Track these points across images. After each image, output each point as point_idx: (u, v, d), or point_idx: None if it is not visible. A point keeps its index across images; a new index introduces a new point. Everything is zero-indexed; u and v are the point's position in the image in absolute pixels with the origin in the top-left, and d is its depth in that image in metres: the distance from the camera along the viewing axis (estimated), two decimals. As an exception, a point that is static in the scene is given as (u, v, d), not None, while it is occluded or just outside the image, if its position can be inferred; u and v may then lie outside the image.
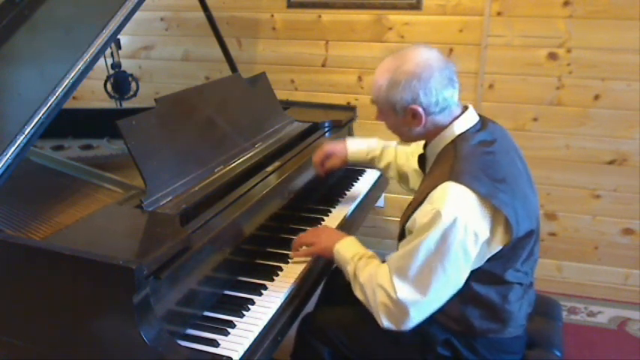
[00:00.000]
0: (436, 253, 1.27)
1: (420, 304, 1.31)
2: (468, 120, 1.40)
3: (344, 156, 1.88)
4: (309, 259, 1.58)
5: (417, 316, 1.32)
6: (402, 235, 1.42)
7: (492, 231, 1.30)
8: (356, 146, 1.90)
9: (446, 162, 1.35)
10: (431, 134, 1.43)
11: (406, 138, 1.50)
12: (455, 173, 1.30)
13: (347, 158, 1.88)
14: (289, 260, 1.58)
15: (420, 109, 1.36)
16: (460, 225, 1.25)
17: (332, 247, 1.51)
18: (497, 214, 1.29)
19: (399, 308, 1.31)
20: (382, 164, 1.88)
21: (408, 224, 1.36)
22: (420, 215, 1.31)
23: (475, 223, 1.27)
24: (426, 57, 1.37)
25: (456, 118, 1.40)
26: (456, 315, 1.38)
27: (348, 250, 1.49)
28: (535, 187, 1.47)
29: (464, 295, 1.35)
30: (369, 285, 1.37)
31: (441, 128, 1.40)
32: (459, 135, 1.38)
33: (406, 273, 1.30)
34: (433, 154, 1.44)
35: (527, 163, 1.48)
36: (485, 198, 1.28)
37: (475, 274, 1.34)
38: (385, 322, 1.34)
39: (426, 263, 1.28)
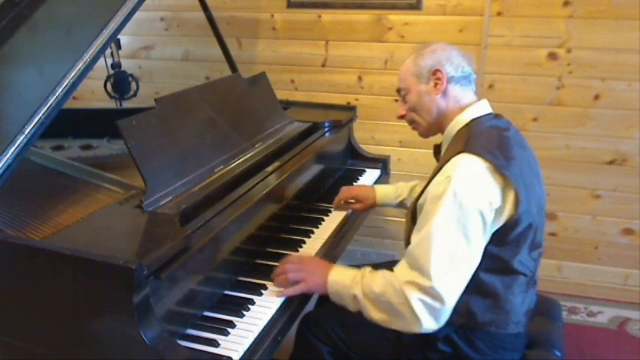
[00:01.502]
0: (457, 225, 1.27)
1: (453, 285, 1.29)
2: (482, 108, 1.47)
3: (372, 201, 1.91)
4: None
5: (451, 300, 1.29)
6: (414, 214, 1.43)
7: (503, 200, 1.31)
8: (384, 190, 1.94)
9: (460, 141, 1.39)
10: (448, 114, 1.47)
11: (425, 120, 1.52)
12: (468, 146, 1.34)
13: (375, 203, 1.91)
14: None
15: (443, 72, 1.46)
16: (474, 191, 1.28)
17: (324, 281, 1.43)
18: (507, 186, 1.31)
19: (436, 297, 1.26)
20: None
21: (421, 200, 1.38)
22: (434, 186, 1.34)
23: (487, 190, 1.30)
24: (447, 44, 1.54)
25: (471, 105, 1.47)
26: (459, 306, 1.36)
27: (343, 276, 1.42)
28: (543, 185, 1.48)
29: (469, 285, 1.35)
30: (391, 290, 1.31)
31: (457, 108, 1.47)
32: (474, 119, 1.44)
33: (430, 257, 1.27)
34: (448, 139, 1.48)
35: (538, 162, 1.50)
36: (496, 168, 1.30)
37: (484, 262, 1.34)
38: (425, 321, 1.28)
39: (449, 239, 1.28)
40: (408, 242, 1.41)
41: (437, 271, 1.26)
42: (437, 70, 1.47)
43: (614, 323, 2.52)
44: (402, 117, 1.57)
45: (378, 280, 1.35)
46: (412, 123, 1.57)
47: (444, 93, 1.47)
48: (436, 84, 1.47)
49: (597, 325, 2.51)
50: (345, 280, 1.41)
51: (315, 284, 1.44)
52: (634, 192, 2.52)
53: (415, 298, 1.28)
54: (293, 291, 1.43)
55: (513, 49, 2.51)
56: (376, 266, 1.44)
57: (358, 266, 1.46)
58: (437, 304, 1.28)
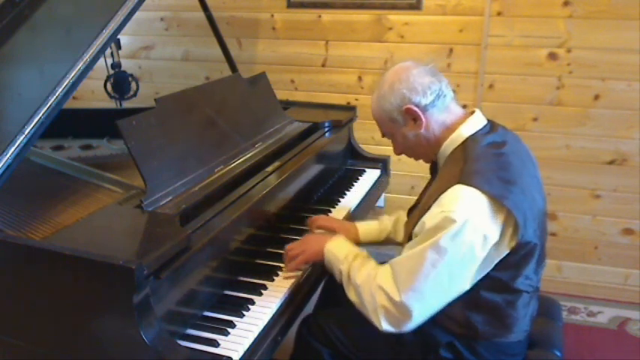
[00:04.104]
0: (444, 257, 1.25)
1: (423, 307, 1.29)
2: (476, 123, 1.40)
3: (353, 236, 1.69)
4: (302, 269, 1.52)
5: (418, 318, 1.30)
6: (409, 240, 1.39)
7: (502, 234, 1.27)
8: (366, 226, 1.74)
9: (455, 164, 1.33)
10: (440, 139, 1.41)
11: (423, 152, 1.48)
12: (465, 175, 1.28)
13: (358, 239, 1.70)
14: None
15: (413, 107, 1.38)
16: (470, 227, 1.23)
17: (322, 248, 1.48)
18: (507, 217, 1.27)
19: (401, 311, 1.29)
20: (400, 238, 1.70)
21: (416, 229, 1.33)
22: (429, 218, 1.28)
23: (485, 226, 1.25)
24: (401, 65, 1.45)
25: (463, 120, 1.40)
26: (460, 319, 1.37)
27: (340, 249, 1.46)
28: (544, 194, 1.45)
29: (470, 301, 1.34)
30: (367, 286, 1.34)
31: (446, 129, 1.40)
32: (469, 137, 1.38)
33: (411, 277, 1.27)
34: (443, 157, 1.43)
35: (537, 164, 1.47)
36: (496, 199, 1.25)
37: (484, 282, 1.32)
38: (384, 325, 1.31)
39: (432, 268, 1.25)
40: None
41: (410, 291, 1.27)
42: (407, 109, 1.39)
43: (614, 323, 2.52)
44: (399, 154, 1.53)
45: (363, 272, 1.38)
46: (411, 157, 1.53)
47: (427, 124, 1.40)
48: (415, 120, 1.40)
49: (597, 325, 2.51)
50: (338, 254, 1.45)
51: (313, 252, 1.50)
52: (634, 192, 2.52)
53: (380, 305, 1.31)
54: (296, 264, 1.50)
55: (513, 49, 2.51)
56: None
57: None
58: (401, 317, 1.29)
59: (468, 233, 1.24)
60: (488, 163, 1.32)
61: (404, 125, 1.43)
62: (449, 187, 1.27)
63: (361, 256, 1.43)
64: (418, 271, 1.27)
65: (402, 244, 1.58)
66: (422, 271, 1.26)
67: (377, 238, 1.74)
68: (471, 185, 1.26)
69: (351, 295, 1.40)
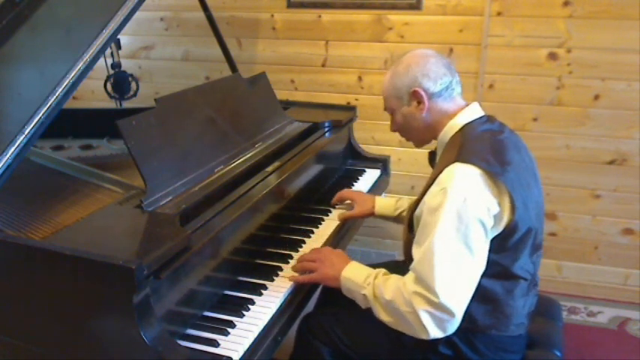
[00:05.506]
0: (457, 236, 1.26)
1: (460, 296, 1.27)
2: (473, 112, 1.45)
3: (370, 206, 1.86)
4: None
5: (460, 312, 1.27)
6: (410, 223, 1.42)
7: (501, 207, 1.30)
8: (384, 201, 1.88)
9: (453, 148, 1.37)
10: (438, 124, 1.46)
11: (416, 135, 1.53)
12: (462, 155, 1.32)
13: (373, 211, 1.86)
14: (289, 260, 1.58)
15: (421, 91, 1.44)
16: (471, 201, 1.26)
17: (338, 276, 1.44)
18: (502, 193, 1.30)
19: (445, 310, 1.26)
20: None
21: (417, 211, 1.36)
22: (429, 198, 1.32)
23: (485, 198, 1.28)
24: (421, 50, 1.51)
25: (461, 110, 1.45)
26: None
27: (357, 274, 1.43)
28: (540, 186, 1.48)
29: None
30: (400, 298, 1.30)
31: (446, 117, 1.45)
32: (466, 124, 1.43)
33: (435, 272, 1.25)
34: (442, 146, 1.47)
35: (535, 162, 1.49)
36: (491, 175, 1.29)
37: (485, 269, 1.33)
38: (431, 331, 1.27)
39: (452, 252, 1.26)
40: (406, 252, 1.40)
41: (443, 287, 1.25)
42: (415, 92, 1.44)
43: (614, 323, 2.52)
44: (395, 131, 1.58)
45: (389, 286, 1.34)
46: (404, 137, 1.58)
47: (428, 110, 1.45)
48: (418, 103, 1.46)
49: (597, 325, 2.51)
50: (357, 279, 1.41)
51: (327, 276, 1.46)
52: (634, 192, 2.52)
53: (422, 310, 1.27)
54: (303, 279, 1.48)
55: (513, 49, 2.51)
56: (389, 267, 1.44)
57: (373, 266, 1.47)
58: (445, 317, 1.27)
59: (470, 207, 1.26)
60: (485, 144, 1.36)
61: (407, 105, 1.48)
62: (446, 168, 1.31)
63: (380, 273, 1.41)
64: (438, 264, 1.26)
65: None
66: (444, 263, 1.26)
67: (391, 213, 1.84)
68: (467, 162, 1.30)
69: (383, 316, 1.35)
